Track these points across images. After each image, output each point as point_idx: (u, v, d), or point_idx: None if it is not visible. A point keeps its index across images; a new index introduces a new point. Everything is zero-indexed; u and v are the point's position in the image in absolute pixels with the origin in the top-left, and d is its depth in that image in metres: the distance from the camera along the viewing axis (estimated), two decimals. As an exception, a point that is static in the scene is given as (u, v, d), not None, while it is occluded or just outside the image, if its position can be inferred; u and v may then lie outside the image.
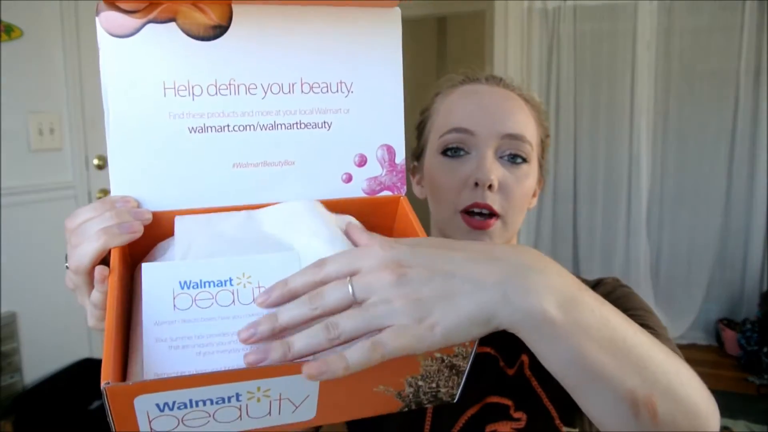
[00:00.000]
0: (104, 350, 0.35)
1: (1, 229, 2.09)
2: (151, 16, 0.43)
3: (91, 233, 0.42)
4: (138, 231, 0.43)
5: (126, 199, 0.45)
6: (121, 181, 0.45)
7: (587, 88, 3.42)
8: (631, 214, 3.39)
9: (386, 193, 0.51)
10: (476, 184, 0.65)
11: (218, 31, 0.45)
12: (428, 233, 0.54)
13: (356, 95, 0.48)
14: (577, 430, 0.68)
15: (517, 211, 0.69)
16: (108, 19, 0.43)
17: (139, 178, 0.45)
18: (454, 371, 0.41)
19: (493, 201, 0.65)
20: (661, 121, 3.29)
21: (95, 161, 2.43)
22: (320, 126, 0.48)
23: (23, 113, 2.17)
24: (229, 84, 0.45)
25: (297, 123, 0.47)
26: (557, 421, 0.67)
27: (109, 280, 0.40)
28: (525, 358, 0.71)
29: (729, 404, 2.60)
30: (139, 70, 0.44)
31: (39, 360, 2.23)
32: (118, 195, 0.45)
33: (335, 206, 0.48)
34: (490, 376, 0.71)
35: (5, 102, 2.10)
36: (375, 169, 0.50)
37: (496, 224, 0.66)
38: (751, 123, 3.12)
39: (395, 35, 0.49)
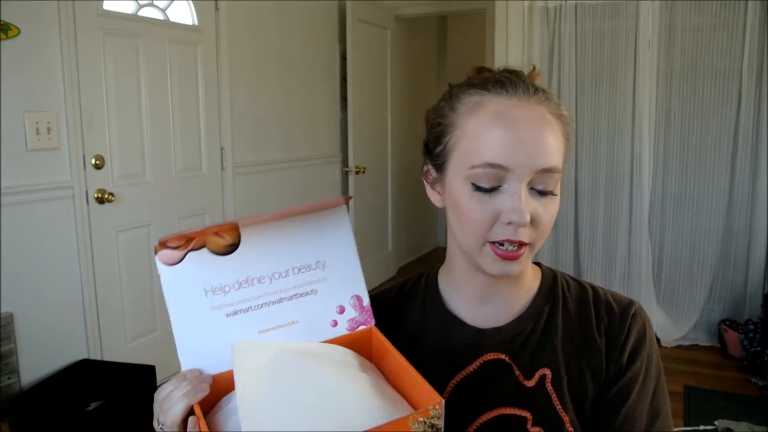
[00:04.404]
0: None
1: (-3, 229, 2.08)
2: (190, 247, 0.66)
3: (176, 399, 0.61)
4: (206, 390, 0.61)
5: (193, 371, 0.64)
6: (187, 359, 0.65)
7: (588, 87, 3.41)
8: (632, 214, 3.38)
9: (362, 327, 0.71)
10: (509, 223, 0.65)
11: (233, 248, 0.67)
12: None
13: (329, 267, 0.71)
14: None
15: (545, 235, 0.69)
16: (163, 255, 0.65)
17: (199, 353, 0.66)
18: (435, 429, 0.55)
19: (524, 235, 0.65)
20: (663, 120, 3.27)
21: (93, 161, 2.41)
22: (310, 293, 0.70)
23: (20, 112, 2.15)
24: (246, 279, 0.68)
25: (295, 295, 0.69)
26: None
27: (200, 426, 0.58)
28: (547, 372, 0.71)
29: (731, 405, 2.59)
30: (187, 284, 0.66)
31: (36, 361, 2.22)
32: (187, 369, 0.64)
33: (331, 343, 0.69)
34: (506, 385, 0.71)
35: (2, 101, 2.08)
36: (351, 313, 0.71)
37: (525, 252, 0.67)
38: (753, 121, 3.10)
39: (345, 222, 0.72)
